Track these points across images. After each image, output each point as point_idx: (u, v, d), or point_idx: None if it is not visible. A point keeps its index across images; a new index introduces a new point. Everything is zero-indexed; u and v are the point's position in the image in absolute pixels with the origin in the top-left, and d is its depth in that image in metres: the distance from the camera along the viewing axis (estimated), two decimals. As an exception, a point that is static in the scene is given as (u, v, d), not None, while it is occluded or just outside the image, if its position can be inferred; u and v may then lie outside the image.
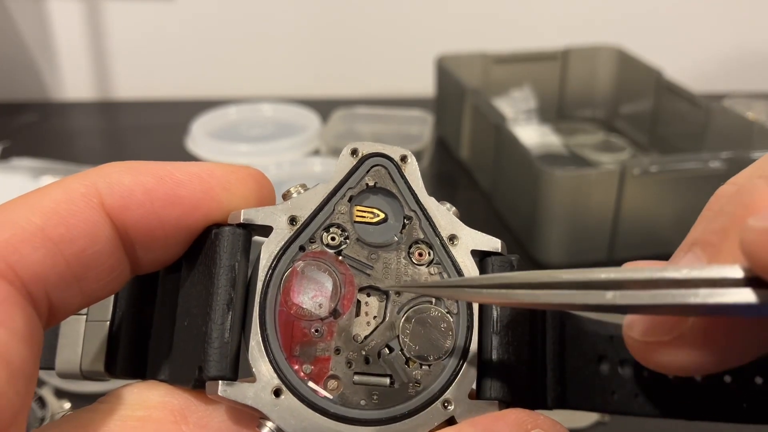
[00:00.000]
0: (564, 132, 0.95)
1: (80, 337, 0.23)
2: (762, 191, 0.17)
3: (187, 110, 0.98)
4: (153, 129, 1.03)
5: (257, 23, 1.08)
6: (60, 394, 0.50)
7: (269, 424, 0.20)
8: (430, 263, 0.22)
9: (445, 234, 0.23)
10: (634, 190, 0.68)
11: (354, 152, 0.23)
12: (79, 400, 0.50)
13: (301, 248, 0.22)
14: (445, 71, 0.93)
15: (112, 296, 0.23)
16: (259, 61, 1.10)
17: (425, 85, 0.99)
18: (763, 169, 0.19)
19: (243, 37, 1.09)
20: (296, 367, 0.21)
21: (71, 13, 1.06)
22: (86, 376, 0.23)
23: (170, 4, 1.07)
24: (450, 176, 0.90)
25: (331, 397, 0.21)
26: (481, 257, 0.23)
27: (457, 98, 0.88)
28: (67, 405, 0.49)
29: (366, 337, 0.22)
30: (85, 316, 0.23)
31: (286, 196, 0.22)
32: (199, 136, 0.92)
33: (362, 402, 0.21)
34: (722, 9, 1.11)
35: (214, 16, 1.08)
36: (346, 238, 0.22)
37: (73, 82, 1.10)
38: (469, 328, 0.22)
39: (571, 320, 0.24)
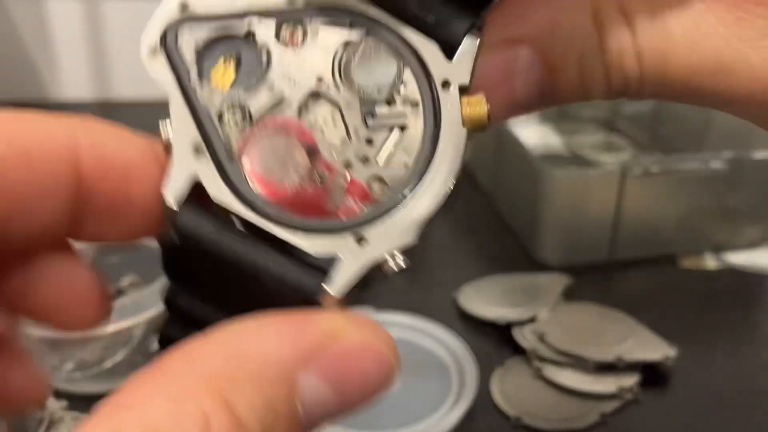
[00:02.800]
0: (564, 132, 0.95)
1: None
2: None
3: (186, 110, 0.98)
4: (153, 129, 1.03)
5: (257, 23, 1.08)
6: (58, 394, 0.50)
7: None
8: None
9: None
10: (634, 190, 0.68)
11: None
12: (79, 401, 0.50)
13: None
14: (445, 71, 0.93)
15: None
16: (259, 61, 1.10)
17: (425, 85, 0.99)
18: None
19: (243, 37, 1.09)
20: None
21: (70, 13, 1.06)
22: None
23: (170, 4, 1.06)
24: (450, 176, 0.89)
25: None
26: None
27: (458, 98, 0.88)
28: (65, 404, 0.49)
29: (349, 132, 0.18)
30: None
31: None
32: (199, 136, 0.92)
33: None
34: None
35: (214, 16, 1.08)
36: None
37: (73, 82, 1.10)
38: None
39: None
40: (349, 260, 0.17)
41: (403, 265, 0.18)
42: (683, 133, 0.86)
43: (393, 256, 0.18)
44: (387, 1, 0.18)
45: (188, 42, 0.18)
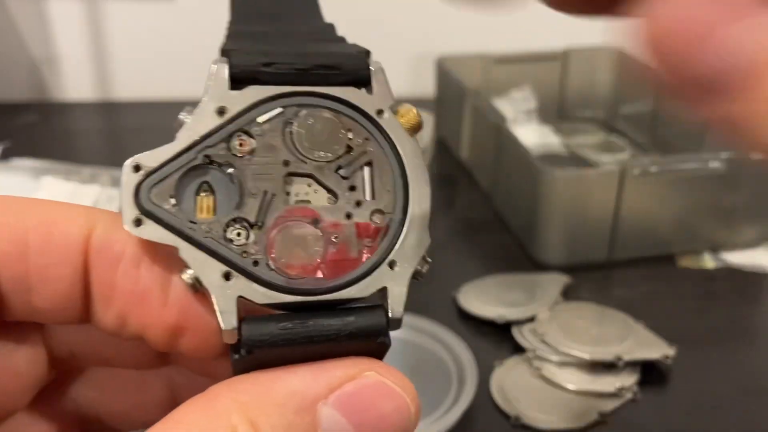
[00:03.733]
0: (564, 132, 0.95)
1: None
2: None
3: (187, 110, 0.98)
4: (153, 129, 1.03)
5: (257, 23, 1.08)
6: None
7: None
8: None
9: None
10: (634, 191, 0.68)
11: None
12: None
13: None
14: (445, 72, 0.93)
15: None
16: (260, 61, 1.10)
17: (425, 85, 0.99)
18: None
19: (243, 37, 1.09)
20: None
21: (72, 13, 1.06)
22: None
23: (170, 4, 1.07)
24: (450, 176, 0.90)
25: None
26: None
27: (458, 99, 0.88)
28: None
29: (332, 190, 0.20)
30: None
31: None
32: (200, 136, 0.92)
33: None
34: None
35: (215, 17, 1.08)
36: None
37: (74, 82, 1.10)
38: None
39: None
40: (393, 286, 0.20)
41: (428, 262, 0.20)
42: (682, 133, 0.86)
43: (421, 262, 0.20)
44: (298, 76, 0.20)
45: (161, 195, 0.19)
